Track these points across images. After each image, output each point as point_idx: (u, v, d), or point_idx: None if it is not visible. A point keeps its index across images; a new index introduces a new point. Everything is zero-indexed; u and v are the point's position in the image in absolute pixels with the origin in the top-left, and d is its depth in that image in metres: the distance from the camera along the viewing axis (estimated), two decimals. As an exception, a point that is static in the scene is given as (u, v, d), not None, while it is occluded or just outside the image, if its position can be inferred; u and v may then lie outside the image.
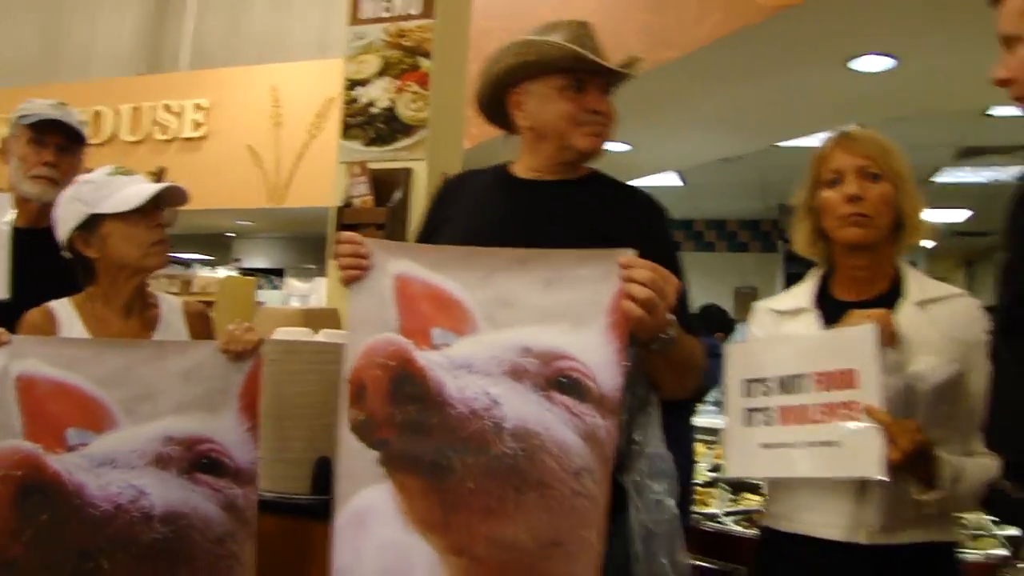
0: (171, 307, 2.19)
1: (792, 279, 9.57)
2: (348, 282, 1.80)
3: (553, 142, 1.88)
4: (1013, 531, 1.62)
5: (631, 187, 2.00)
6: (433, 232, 1.97)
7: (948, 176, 8.42)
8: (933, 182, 8.65)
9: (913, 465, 1.56)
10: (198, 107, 8.51)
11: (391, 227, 3.16)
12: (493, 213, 1.93)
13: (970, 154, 7.48)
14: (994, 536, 2.63)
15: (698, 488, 3.36)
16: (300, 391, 2.33)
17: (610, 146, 5.96)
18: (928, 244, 10.39)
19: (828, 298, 1.86)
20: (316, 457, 2.30)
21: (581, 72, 1.83)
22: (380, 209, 3.18)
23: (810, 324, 1.83)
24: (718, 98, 4.80)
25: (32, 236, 2.36)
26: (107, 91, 8.60)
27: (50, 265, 2.18)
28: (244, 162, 8.36)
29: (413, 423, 1.72)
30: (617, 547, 1.63)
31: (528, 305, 1.69)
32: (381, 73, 3.38)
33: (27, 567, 1.86)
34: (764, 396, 1.72)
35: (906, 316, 1.72)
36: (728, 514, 3.11)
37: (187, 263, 10.49)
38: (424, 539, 1.69)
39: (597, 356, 1.63)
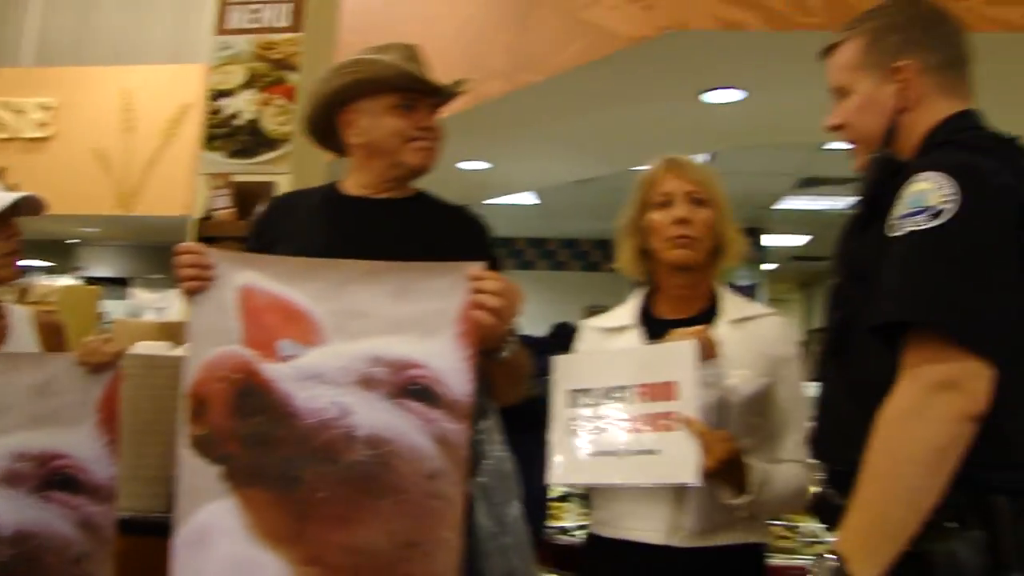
0: (20, 318, 2.13)
1: (643, 298, 9.96)
2: (189, 293, 1.79)
3: (385, 159, 1.94)
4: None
5: (456, 206, 2.08)
6: (265, 251, 1.95)
7: (788, 203, 8.84)
8: (775, 209, 9.08)
9: (725, 472, 1.64)
10: (43, 106, 8.12)
11: (253, 241, 3.13)
12: (323, 231, 1.97)
13: (809, 184, 7.91)
14: (825, 543, 2.82)
15: (552, 503, 3.45)
16: (158, 407, 2.28)
17: (469, 164, 6.02)
18: (769, 267, 10.94)
19: (651, 316, 1.95)
20: (170, 475, 2.26)
21: (411, 91, 1.91)
22: (242, 223, 3.15)
23: (634, 340, 1.91)
24: (576, 122, 4.90)
25: None
26: (-61, 83, 8.14)
27: None
28: (92, 166, 8.02)
29: (259, 436, 1.72)
30: (466, 546, 1.68)
31: (378, 315, 1.72)
32: (246, 85, 3.35)
33: None
34: (589, 406, 1.77)
35: (722, 333, 1.81)
36: (580, 527, 3.20)
37: (24, 270, 9.96)
38: (273, 553, 1.69)
39: (447, 363, 1.68)
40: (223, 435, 1.74)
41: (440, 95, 1.95)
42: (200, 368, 1.77)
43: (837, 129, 1.61)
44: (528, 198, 8.40)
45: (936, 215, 1.25)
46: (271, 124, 3.28)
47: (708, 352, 1.70)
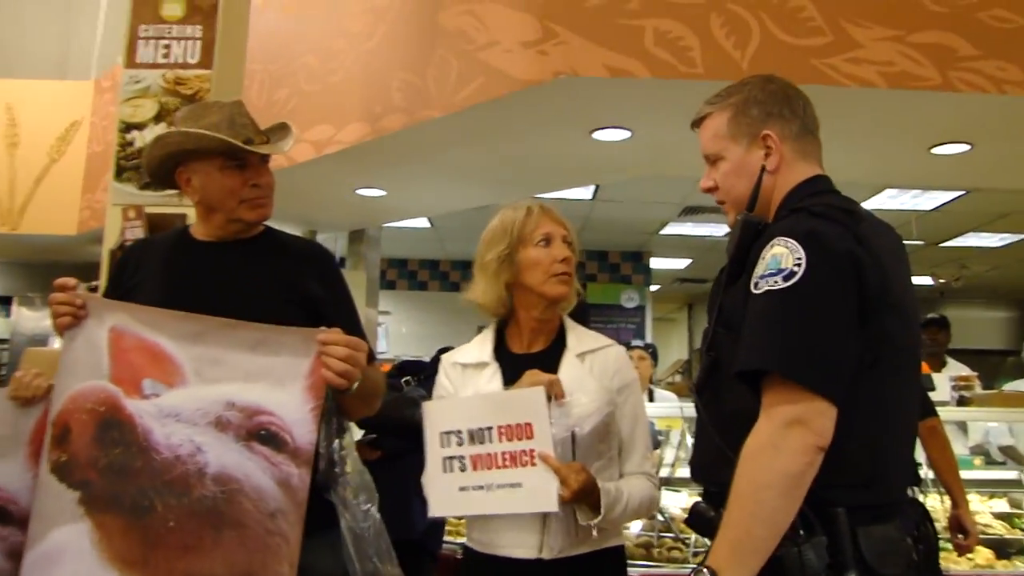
0: None
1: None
2: (61, 329, 1.91)
3: (222, 214, 2.07)
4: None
5: (303, 239, 2.26)
6: (123, 298, 2.05)
7: (673, 229, 9.20)
8: (661, 234, 9.46)
9: (581, 498, 1.87)
10: (-83, 118, 7.85)
11: (166, 271, 3.20)
12: (180, 275, 2.09)
13: (691, 211, 8.31)
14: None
15: (452, 519, 3.63)
16: None
17: (366, 191, 6.14)
18: (654, 288, 11.33)
19: (505, 351, 2.15)
20: None
21: (240, 151, 2.01)
22: (155, 253, 3.21)
23: (492, 376, 2.10)
24: (472, 155, 5.05)
25: None
26: None
27: None
28: (-29, 182, 7.81)
29: (117, 466, 1.85)
30: (334, 558, 1.85)
31: (234, 364, 1.87)
32: (157, 118, 3.42)
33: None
34: (458, 446, 1.97)
35: (568, 366, 2.06)
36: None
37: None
38: (122, 574, 1.80)
39: (294, 414, 1.85)
40: (84, 462, 1.87)
41: (261, 154, 2.06)
42: (67, 399, 1.90)
43: (710, 191, 1.82)
44: (421, 221, 8.54)
45: (789, 277, 1.46)
46: (182, 158, 3.36)
47: (557, 394, 1.91)
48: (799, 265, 1.47)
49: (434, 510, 2.01)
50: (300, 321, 1.93)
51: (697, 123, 1.84)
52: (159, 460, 1.84)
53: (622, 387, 2.06)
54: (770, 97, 1.75)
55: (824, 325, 1.46)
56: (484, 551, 2.06)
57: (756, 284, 1.52)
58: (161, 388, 1.87)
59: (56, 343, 6.52)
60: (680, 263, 11.37)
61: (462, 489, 1.95)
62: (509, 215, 2.15)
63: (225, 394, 1.86)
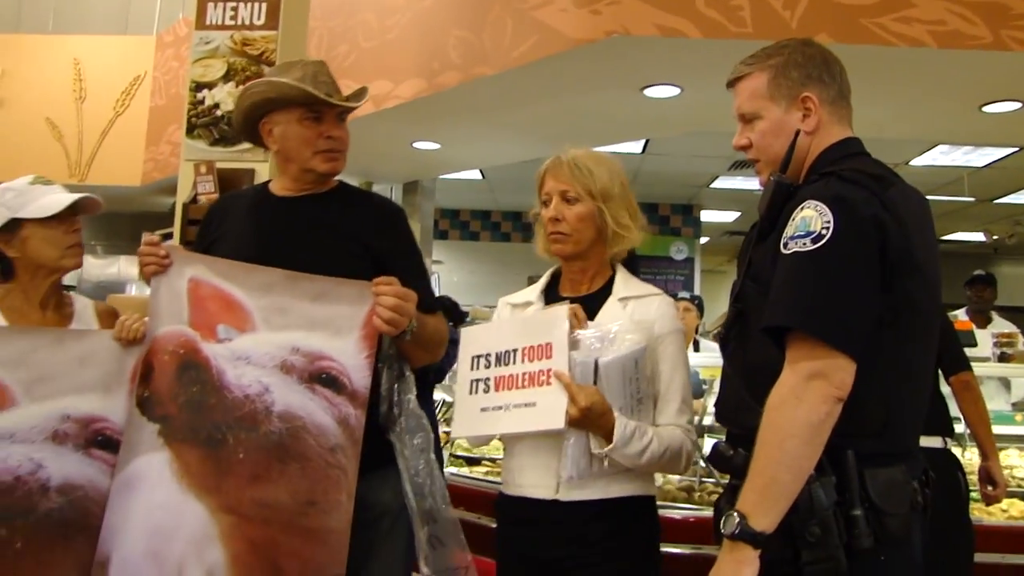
0: (84, 305, 2.38)
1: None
2: (147, 277, 2.11)
3: (296, 164, 2.20)
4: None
5: (371, 194, 2.37)
6: (206, 251, 2.22)
7: (723, 183, 9.28)
8: (711, 187, 9.52)
9: (591, 422, 1.85)
10: (-10, 73, 8.13)
11: (236, 224, 3.38)
12: (256, 229, 2.23)
13: (740, 165, 8.36)
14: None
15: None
16: None
17: (422, 144, 6.29)
18: (703, 240, 11.37)
19: (554, 293, 2.17)
20: None
21: (318, 104, 2.15)
22: (226, 206, 3.39)
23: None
24: (526, 111, 5.17)
25: None
26: None
27: None
28: (43, 135, 8.05)
29: (194, 402, 2.04)
30: (392, 493, 2.01)
31: (299, 313, 2.04)
32: (226, 78, 3.58)
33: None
34: (485, 368, 2.01)
35: (608, 308, 2.05)
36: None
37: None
38: (197, 500, 1.99)
39: (351, 359, 2.01)
40: (164, 398, 2.07)
41: (340, 107, 2.17)
42: (151, 341, 2.10)
43: (743, 148, 1.86)
44: (474, 174, 8.68)
45: (817, 239, 1.55)
46: (250, 115, 3.53)
47: (579, 318, 1.95)
48: (827, 228, 1.55)
49: (456, 431, 2.06)
50: (365, 273, 2.05)
51: (733, 82, 1.87)
52: (231, 398, 2.02)
53: (663, 335, 2.02)
54: (810, 60, 1.79)
55: (846, 286, 1.54)
56: (509, 492, 2.07)
57: (785, 244, 1.60)
58: (234, 333, 2.05)
59: (132, 289, 6.76)
60: (729, 216, 11.39)
61: (483, 410, 1.98)
62: (536, 174, 2.19)
63: (290, 340, 2.02)
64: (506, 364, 1.96)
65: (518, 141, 5.88)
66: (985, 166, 7.85)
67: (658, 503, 3.25)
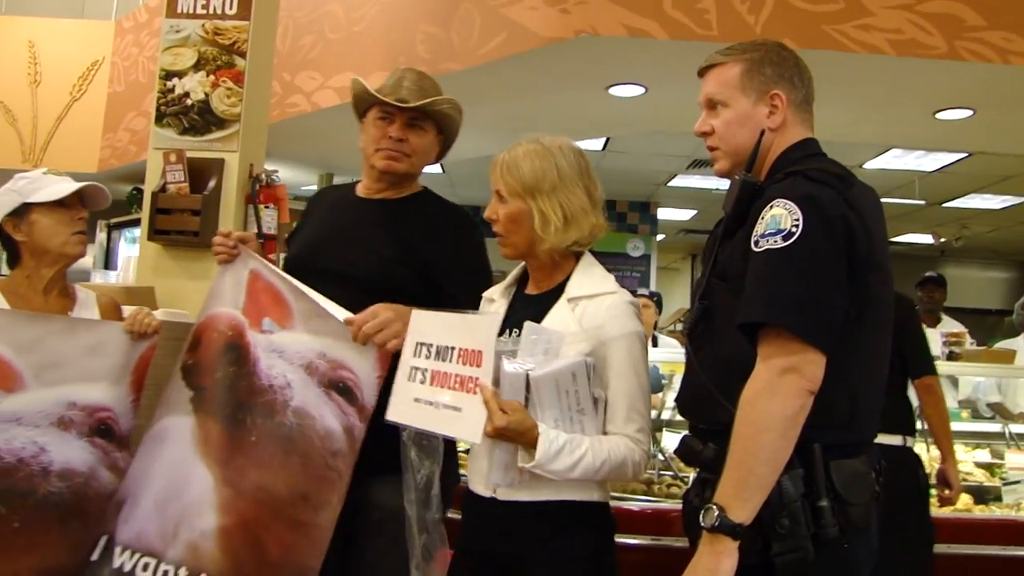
0: (87, 296, 2.43)
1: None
2: (220, 263, 2.32)
3: (367, 161, 2.34)
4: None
5: (444, 203, 2.43)
6: (296, 234, 2.45)
7: (681, 181, 9.36)
8: (669, 185, 9.61)
9: (511, 440, 1.78)
10: (-63, 53, 7.95)
11: (205, 213, 3.37)
12: (327, 225, 2.38)
13: (699, 164, 8.48)
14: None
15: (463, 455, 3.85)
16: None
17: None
18: (659, 237, 11.50)
19: (520, 291, 2.09)
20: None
21: (389, 106, 2.27)
22: (196, 196, 3.38)
23: (496, 312, 2.07)
24: (490, 108, 5.21)
25: None
26: None
27: None
28: (-5, 119, 7.94)
29: (227, 380, 2.19)
30: (395, 498, 2.02)
31: (331, 325, 2.15)
32: (196, 67, 3.56)
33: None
34: (425, 359, 1.92)
35: (556, 311, 1.93)
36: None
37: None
38: (207, 468, 2.15)
39: (367, 376, 2.12)
40: (204, 370, 2.24)
41: (408, 110, 2.26)
42: (207, 316, 2.29)
43: (704, 135, 1.89)
44: (434, 168, 8.68)
45: (787, 237, 1.59)
46: (221, 105, 3.49)
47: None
48: (796, 226, 1.59)
49: (389, 414, 1.97)
50: (409, 283, 2.19)
51: (704, 70, 1.89)
52: (257, 385, 2.17)
53: (613, 337, 1.89)
54: (784, 61, 1.84)
55: (817, 282, 1.59)
56: (467, 483, 2.05)
57: (757, 242, 1.65)
58: (276, 328, 2.20)
59: (96, 277, 6.64)
60: (686, 214, 11.52)
61: (416, 400, 1.92)
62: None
63: (321, 346, 2.14)
64: (443, 360, 1.89)
65: (480, 138, 5.90)
66: (936, 170, 8.05)
67: (617, 494, 3.36)
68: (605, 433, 1.88)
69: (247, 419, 2.15)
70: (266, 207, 3.48)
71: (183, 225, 3.39)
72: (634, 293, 5.68)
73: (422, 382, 1.92)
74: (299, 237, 2.46)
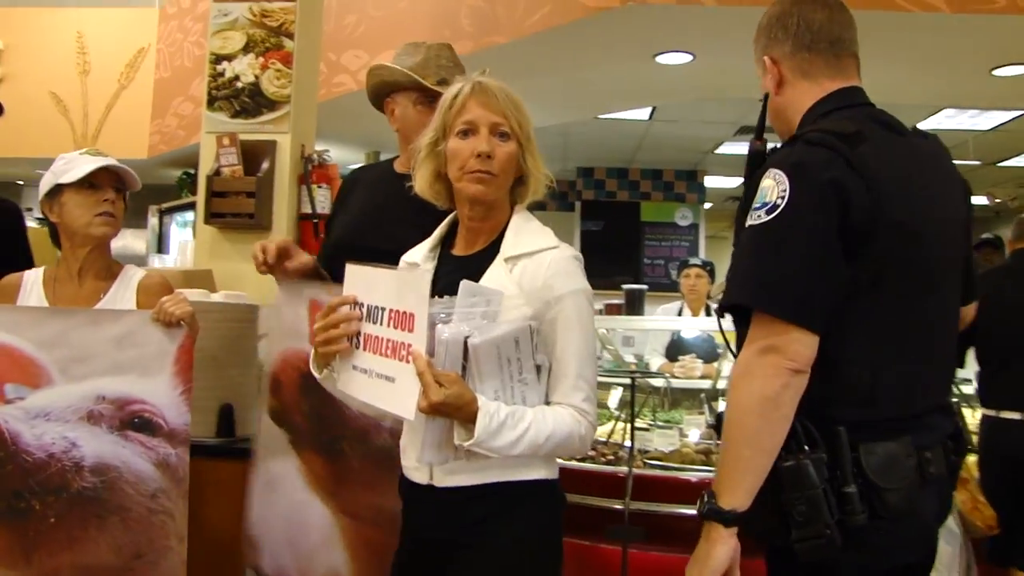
0: (128, 278, 2.36)
1: (587, 236, 10.27)
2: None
3: (404, 142, 2.30)
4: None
5: None
6: (334, 217, 2.42)
7: (728, 148, 9.25)
8: (716, 153, 9.51)
9: (448, 414, 1.57)
10: (-8, 47, 8.09)
11: (260, 195, 3.42)
12: (369, 204, 2.36)
13: (747, 131, 8.36)
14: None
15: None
16: (203, 346, 2.46)
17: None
18: (707, 206, 11.38)
19: (447, 252, 1.86)
20: (219, 404, 2.55)
21: (429, 90, 2.26)
22: (250, 178, 3.43)
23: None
24: (537, 80, 5.18)
25: None
26: None
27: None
28: (47, 109, 8.02)
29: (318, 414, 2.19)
30: None
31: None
32: (245, 50, 3.59)
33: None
34: (359, 320, 1.71)
35: (492, 273, 1.71)
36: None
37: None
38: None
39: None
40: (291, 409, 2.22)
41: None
42: (278, 358, 2.25)
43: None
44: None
45: (772, 210, 1.53)
46: (271, 87, 3.52)
47: None
48: (782, 198, 1.52)
49: (338, 384, 1.78)
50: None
51: None
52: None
53: (556, 298, 1.67)
54: (768, 21, 1.79)
55: (796, 257, 1.52)
56: (402, 470, 1.83)
57: (749, 217, 1.60)
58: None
59: (155, 262, 6.66)
60: (733, 181, 11.36)
61: (354, 368, 1.71)
62: (445, 95, 1.79)
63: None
64: (375, 322, 1.66)
65: (528, 110, 5.86)
66: (991, 129, 7.87)
67: (675, 465, 3.34)
68: (547, 403, 1.70)
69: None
70: (319, 187, 3.51)
71: (238, 208, 3.43)
72: (686, 263, 5.68)
73: (357, 346, 1.71)
74: (340, 219, 2.44)
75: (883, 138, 1.63)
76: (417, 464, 1.73)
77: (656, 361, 5.05)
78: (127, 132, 8.03)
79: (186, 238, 7.31)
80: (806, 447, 1.51)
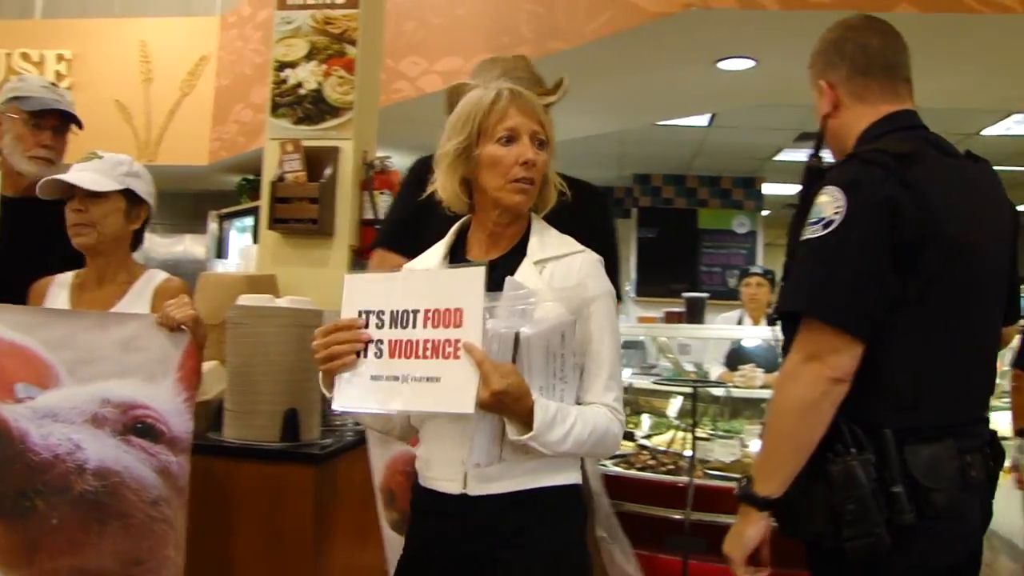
0: (147, 282, 2.35)
1: (643, 243, 10.21)
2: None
3: None
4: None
5: (576, 181, 2.37)
6: (416, 214, 2.23)
7: (787, 155, 9.15)
8: (775, 160, 9.41)
9: (505, 406, 1.55)
10: (60, 58, 8.26)
11: (323, 201, 3.46)
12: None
13: (806, 137, 8.24)
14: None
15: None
16: (269, 351, 2.52)
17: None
18: (765, 213, 11.25)
19: (461, 258, 1.83)
20: (284, 409, 2.54)
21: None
22: (313, 184, 3.46)
23: None
24: (597, 87, 5.16)
25: (22, 205, 2.59)
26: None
27: (38, 230, 2.42)
28: (112, 117, 8.18)
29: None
30: None
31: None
32: (308, 57, 3.63)
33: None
34: (377, 328, 1.66)
35: (523, 275, 1.71)
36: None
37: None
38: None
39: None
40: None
41: None
42: (385, 466, 2.35)
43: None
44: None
45: (827, 225, 1.62)
46: (333, 93, 3.56)
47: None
48: (838, 213, 1.61)
49: (337, 403, 1.69)
50: None
51: None
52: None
53: (588, 299, 1.70)
54: (823, 46, 1.86)
55: (849, 268, 1.61)
56: (422, 483, 1.79)
57: (804, 231, 1.68)
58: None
59: (218, 267, 6.74)
60: (792, 189, 11.22)
61: (374, 378, 1.65)
62: (474, 100, 1.76)
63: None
64: (404, 326, 1.63)
65: (588, 116, 5.88)
66: (1061, 135, 7.67)
67: (736, 475, 3.30)
68: (578, 402, 1.70)
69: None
70: (381, 193, 3.53)
71: (302, 213, 3.46)
72: (745, 272, 5.60)
73: (378, 356, 1.65)
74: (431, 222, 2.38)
75: (935, 160, 1.72)
76: (453, 475, 1.70)
77: (716, 370, 5.00)
78: (188, 139, 8.16)
79: (245, 243, 7.41)
80: (853, 449, 1.60)
